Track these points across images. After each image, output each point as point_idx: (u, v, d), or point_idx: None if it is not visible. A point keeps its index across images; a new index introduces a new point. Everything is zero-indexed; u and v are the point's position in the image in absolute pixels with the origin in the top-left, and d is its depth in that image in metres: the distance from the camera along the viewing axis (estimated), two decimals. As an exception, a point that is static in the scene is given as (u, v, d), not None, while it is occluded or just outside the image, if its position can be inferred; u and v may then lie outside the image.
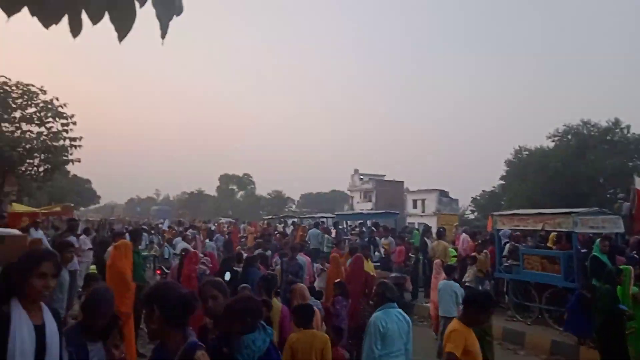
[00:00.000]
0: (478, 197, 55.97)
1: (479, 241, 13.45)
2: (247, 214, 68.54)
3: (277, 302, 5.50)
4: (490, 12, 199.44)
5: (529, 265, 10.98)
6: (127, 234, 10.25)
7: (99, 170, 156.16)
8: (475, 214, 55.06)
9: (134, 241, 8.41)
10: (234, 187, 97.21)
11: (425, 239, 14.68)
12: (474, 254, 12.23)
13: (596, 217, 10.32)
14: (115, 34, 1.91)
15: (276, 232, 19.99)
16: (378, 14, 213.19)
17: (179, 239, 18.05)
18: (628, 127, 40.70)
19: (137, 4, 1.88)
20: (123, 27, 1.90)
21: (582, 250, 10.43)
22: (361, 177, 70.11)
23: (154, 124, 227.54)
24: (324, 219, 22.69)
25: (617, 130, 41.32)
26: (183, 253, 9.50)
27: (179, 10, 1.93)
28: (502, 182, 51.00)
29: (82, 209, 67.61)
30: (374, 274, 9.91)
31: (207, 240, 18.91)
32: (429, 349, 8.47)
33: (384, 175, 71.07)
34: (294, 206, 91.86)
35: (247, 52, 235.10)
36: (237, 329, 3.22)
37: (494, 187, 53.55)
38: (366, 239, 15.33)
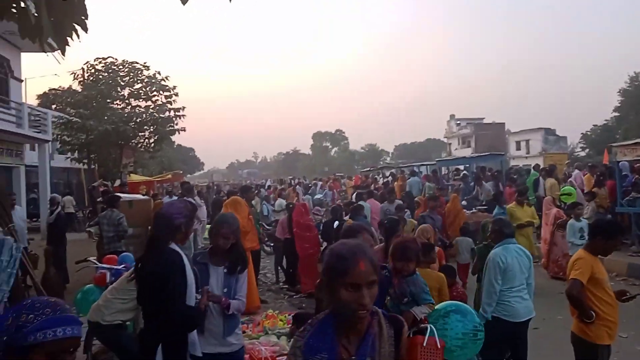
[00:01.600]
0: (589, 132, 52.01)
1: (598, 175, 12.52)
2: (342, 169, 69.18)
3: None
4: None
5: (656, 196, 10.12)
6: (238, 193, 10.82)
7: (201, 139, 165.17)
8: (587, 150, 51.35)
9: (245, 197, 8.87)
10: (328, 144, 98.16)
11: (540, 177, 14.04)
12: (594, 189, 11.44)
13: None
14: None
15: (377, 185, 20.07)
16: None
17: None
18: None
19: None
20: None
21: None
22: (458, 122, 67.44)
23: (248, 88, 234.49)
24: (424, 167, 22.31)
25: None
26: (291, 206, 9.96)
27: None
28: (616, 113, 46.98)
29: (188, 175, 72.00)
30: (535, 220, 9.49)
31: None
32: (544, 287, 8.17)
33: (483, 119, 67.91)
34: (388, 158, 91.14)
35: (335, 6, 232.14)
36: (410, 270, 3.64)
37: (606, 120, 49.53)
38: (471, 184, 14.91)
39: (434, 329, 3.88)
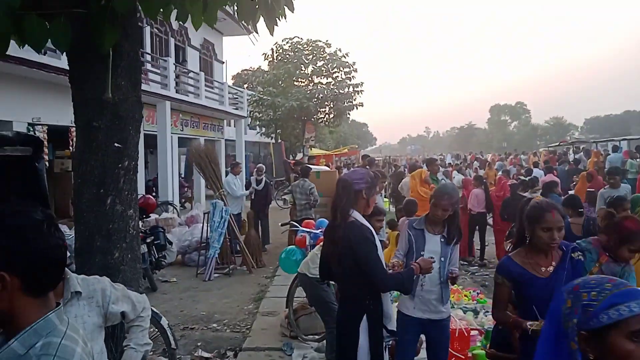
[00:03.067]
0: None
1: None
2: (522, 144, 64.61)
3: None
4: None
5: None
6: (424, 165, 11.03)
7: (374, 114, 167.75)
8: None
9: (429, 169, 8.99)
10: (507, 117, 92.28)
11: None
12: None
13: None
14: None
15: (567, 161, 18.38)
16: None
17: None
18: None
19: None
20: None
21: None
22: (667, 91, 58.05)
23: (422, 60, 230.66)
24: (624, 142, 19.75)
25: None
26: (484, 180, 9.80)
27: None
28: None
29: (361, 150, 74.03)
30: None
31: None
32: None
33: None
34: (577, 133, 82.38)
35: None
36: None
37: None
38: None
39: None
